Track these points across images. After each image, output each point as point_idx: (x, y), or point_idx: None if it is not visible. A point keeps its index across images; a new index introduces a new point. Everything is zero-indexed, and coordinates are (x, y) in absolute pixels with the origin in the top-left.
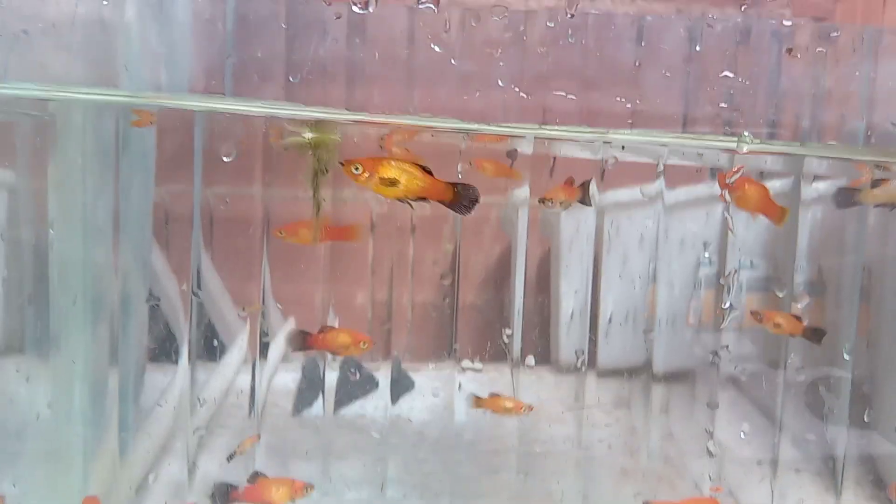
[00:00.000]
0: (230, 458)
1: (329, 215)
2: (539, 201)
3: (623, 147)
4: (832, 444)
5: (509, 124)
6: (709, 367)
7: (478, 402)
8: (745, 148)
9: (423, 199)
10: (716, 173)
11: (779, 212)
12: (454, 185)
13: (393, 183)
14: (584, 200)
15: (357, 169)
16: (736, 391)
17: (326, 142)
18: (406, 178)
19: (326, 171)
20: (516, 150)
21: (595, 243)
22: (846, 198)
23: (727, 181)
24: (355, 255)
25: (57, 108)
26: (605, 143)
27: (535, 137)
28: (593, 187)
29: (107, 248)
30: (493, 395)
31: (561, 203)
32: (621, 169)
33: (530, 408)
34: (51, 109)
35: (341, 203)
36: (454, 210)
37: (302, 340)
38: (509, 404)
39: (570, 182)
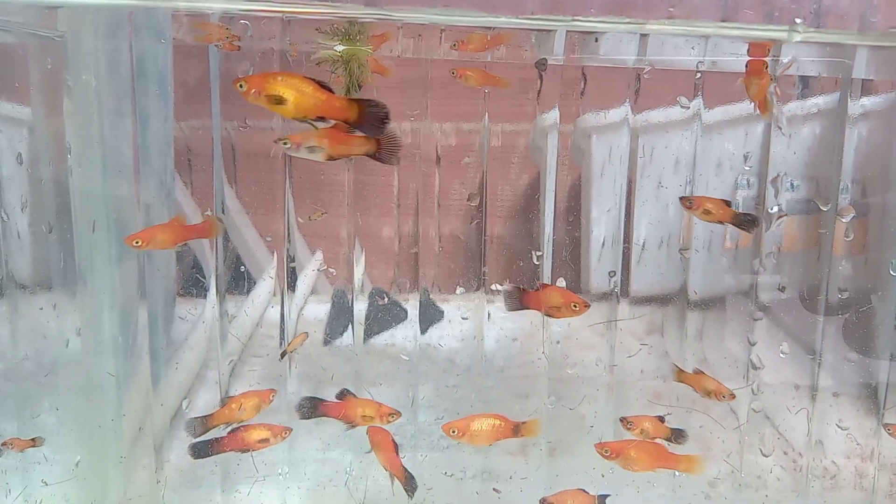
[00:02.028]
0: (283, 355)
1: (182, 216)
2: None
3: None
4: (874, 366)
5: (540, 16)
6: (747, 289)
7: (680, 375)
8: (798, 37)
9: (321, 118)
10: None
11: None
12: (358, 101)
13: (280, 101)
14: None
15: (242, 86)
16: (772, 316)
17: (358, 55)
18: (294, 95)
19: (360, 86)
20: (545, 59)
21: (629, 167)
22: None
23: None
24: (381, 188)
25: (67, 25)
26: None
27: (568, 31)
28: (626, 110)
29: (128, 177)
30: (698, 372)
31: None
32: (657, 85)
33: (732, 396)
34: (60, 28)
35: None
36: (362, 131)
37: (518, 298)
38: (710, 385)
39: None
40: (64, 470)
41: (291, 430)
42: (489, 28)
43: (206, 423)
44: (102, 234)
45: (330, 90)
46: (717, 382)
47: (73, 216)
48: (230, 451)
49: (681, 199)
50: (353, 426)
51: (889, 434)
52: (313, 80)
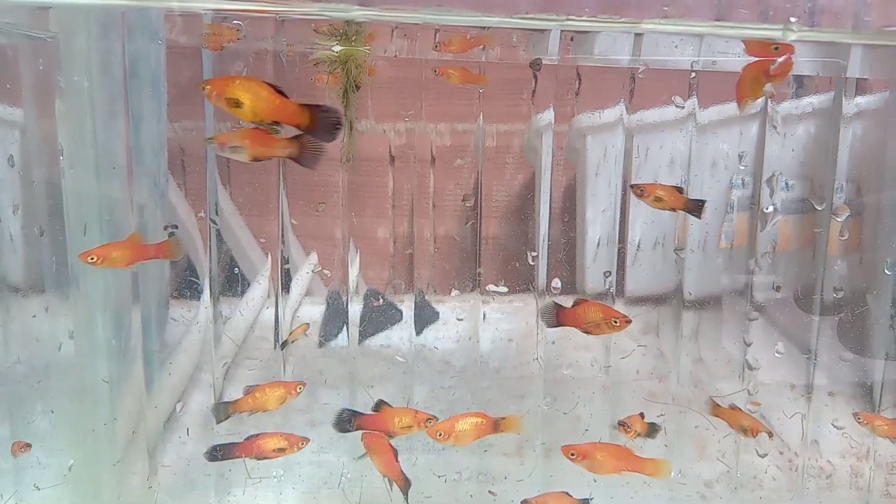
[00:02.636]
0: (283, 346)
1: (142, 234)
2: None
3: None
4: (869, 365)
5: (534, 16)
6: (742, 288)
7: (715, 410)
8: (792, 36)
9: (276, 123)
10: None
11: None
12: (310, 107)
13: (238, 103)
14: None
15: (205, 88)
16: (767, 316)
17: (356, 55)
18: (251, 98)
19: (357, 87)
20: (540, 60)
21: (623, 167)
22: None
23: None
24: (376, 188)
25: (59, 26)
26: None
27: (562, 31)
28: (621, 110)
29: (121, 179)
30: (733, 408)
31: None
32: (651, 85)
33: (770, 433)
34: (52, 29)
35: (357, 134)
36: (314, 136)
37: (555, 314)
38: (746, 422)
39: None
40: (56, 474)
41: (309, 440)
42: (484, 28)
43: (228, 408)
44: (95, 236)
45: (284, 95)
46: (754, 419)
47: (65, 218)
48: (246, 457)
49: (631, 186)
50: (392, 437)
51: (859, 423)
52: (269, 84)
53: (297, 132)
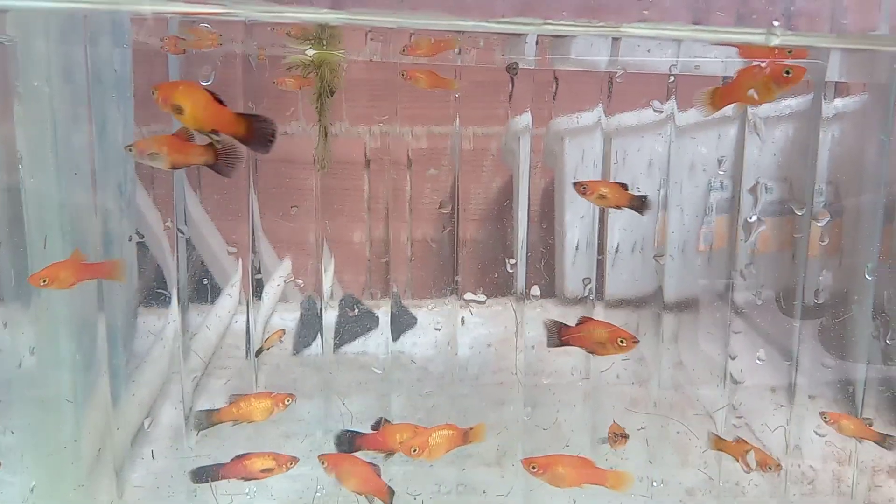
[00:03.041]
0: (258, 353)
1: (85, 254)
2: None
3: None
4: (851, 369)
5: (510, 18)
6: (723, 293)
7: (718, 443)
8: (775, 41)
9: (214, 131)
10: None
11: None
12: (246, 117)
13: (180, 110)
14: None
15: (153, 93)
16: (747, 320)
17: (330, 60)
18: (190, 106)
19: (332, 92)
20: (517, 63)
21: (602, 171)
22: None
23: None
24: (351, 192)
25: (17, 30)
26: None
27: (539, 35)
28: (599, 113)
29: (85, 185)
30: (739, 441)
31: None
32: (629, 89)
33: (779, 466)
34: (9, 32)
35: (332, 138)
36: (249, 146)
37: (558, 333)
38: (755, 455)
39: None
40: (19, 494)
41: (298, 459)
42: (459, 32)
43: (211, 417)
44: (58, 245)
45: (222, 103)
46: (764, 452)
47: (25, 227)
48: (232, 478)
49: (574, 184)
50: (392, 454)
51: (826, 422)
52: (209, 91)
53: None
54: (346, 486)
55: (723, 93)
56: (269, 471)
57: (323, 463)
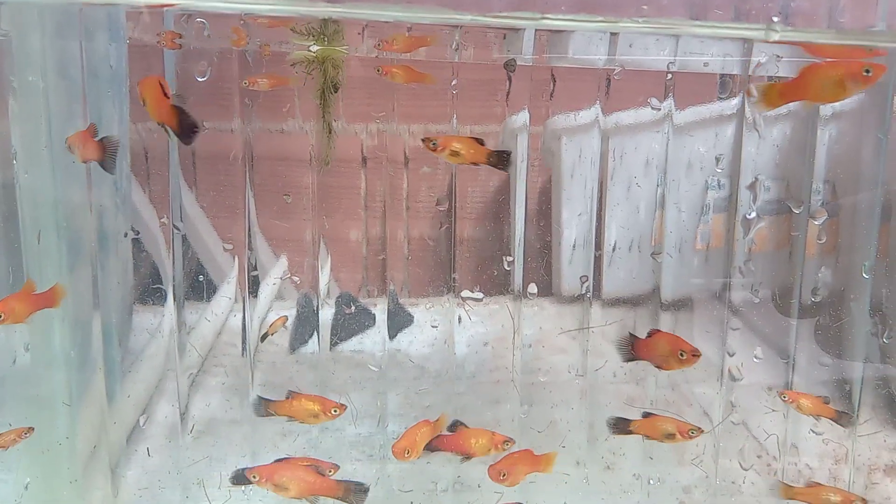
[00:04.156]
0: (263, 338)
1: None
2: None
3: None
4: (848, 368)
5: (508, 13)
6: (720, 292)
7: (787, 491)
8: (775, 37)
9: (162, 124)
10: None
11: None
12: (175, 109)
13: (144, 102)
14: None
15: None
16: (744, 319)
17: (333, 56)
18: (148, 98)
19: (336, 88)
20: (514, 60)
21: (599, 170)
22: None
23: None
24: (347, 190)
25: (11, 24)
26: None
27: (537, 30)
28: (597, 112)
29: (80, 182)
30: (813, 484)
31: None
32: (627, 87)
33: (864, 501)
34: (4, 27)
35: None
36: (178, 138)
37: (631, 347)
38: (835, 497)
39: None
40: (13, 492)
41: (338, 467)
42: (455, 26)
43: (268, 406)
44: (53, 242)
45: (167, 95)
46: (844, 492)
47: (20, 223)
48: (269, 482)
49: (423, 140)
50: (469, 458)
51: (784, 401)
52: (160, 85)
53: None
54: (289, 495)
55: (782, 90)
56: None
57: (254, 477)
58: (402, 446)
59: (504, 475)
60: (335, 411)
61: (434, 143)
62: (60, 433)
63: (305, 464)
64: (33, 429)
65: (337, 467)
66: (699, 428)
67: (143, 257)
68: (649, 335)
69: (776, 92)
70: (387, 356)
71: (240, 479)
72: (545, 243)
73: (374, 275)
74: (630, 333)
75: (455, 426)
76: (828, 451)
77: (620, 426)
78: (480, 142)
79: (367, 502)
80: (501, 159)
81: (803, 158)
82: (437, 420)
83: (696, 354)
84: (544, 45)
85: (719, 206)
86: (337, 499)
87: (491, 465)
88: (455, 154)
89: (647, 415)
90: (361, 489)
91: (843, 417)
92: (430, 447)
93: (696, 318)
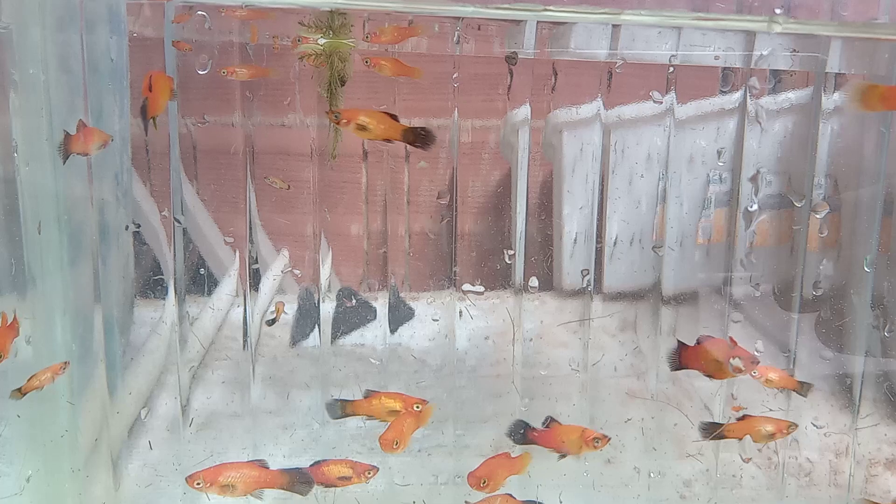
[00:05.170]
0: (271, 323)
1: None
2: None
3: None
4: (849, 362)
5: (510, 5)
6: (721, 286)
7: None
8: (778, 28)
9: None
10: None
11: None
12: (145, 97)
13: None
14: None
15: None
16: (745, 313)
17: (340, 48)
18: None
19: (343, 81)
20: (516, 54)
21: (601, 164)
22: None
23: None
24: (348, 185)
25: (11, 17)
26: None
27: (538, 24)
28: (598, 106)
29: (81, 176)
30: None
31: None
32: (628, 81)
33: None
34: (4, 20)
35: (332, 129)
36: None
37: (679, 355)
38: None
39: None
40: (15, 484)
41: (377, 469)
42: (457, 18)
43: (344, 407)
44: (54, 235)
45: (151, 90)
46: None
47: (21, 216)
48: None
49: (327, 113)
50: (564, 456)
51: (753, 377)
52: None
53: None
54: (236, 494)
55: (886, 94)
56: (346, 479)
57: (198, 483)
58: (389, 437)
59: (484, 482)
60: (418, 407)
61: (337, 116)
62: (62, 426)
63: (341, 465)
64: (69, 363)
65: (376, 469)
66: (750, 356)
67: (145, 251)
68: (698, 343)
69: (878, 94)
70: (388, 350)
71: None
72: (546, 237)
73: (375, 269)
74: (680, 342)
75: (548, 422)
76: (828, 445)
77: (711, 431)
78: (394, 117)
79: (370, 496)
80: (419, 137)
81: (805, 152)
82: (422, 411)
83: (754, 360)
84: (546, 39)
85: (721, 201)
86: (283, 489)
87: (470, 473)
88: (362, 128)
89: (742, 417)
90: (305, 477)
91: (804, 387)
92: (526, 439)
93: (697, 312)
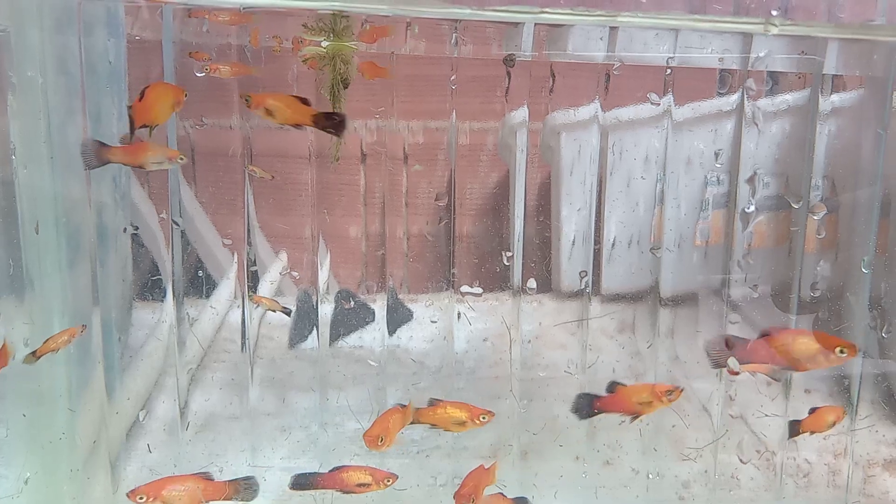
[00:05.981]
0: (288, 312)
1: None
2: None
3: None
4: (847, 363)
5: (507, 7)
6: (718, 288)
7: None
8: (774, 31)
9: None
10: None
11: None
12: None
13: None
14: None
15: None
16: (743, 314)
17: (343, 51)
18: None
19: (346, 83)
20: (514, 56)
21: (598, 166)
22: None
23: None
24: (346, 186)
25: (9, 19)
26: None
27: (536, 26)
28: (596, 108)
29: (79, 178)
30: None
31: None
32: (626, 83)
33: None
34: (2, 22)
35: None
36: None
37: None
38: None
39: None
40: (13, 486)
41: (397, 476)
42: (455, 21)
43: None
44: (52, 237)
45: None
46: None
47: (19, 218)
48: (330, 489)
49: (240, 96)
50: (636, 417)
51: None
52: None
53: None
54: None
55: None
56: (365, 485)
57: (140, 498)
58: (374, 434)
59: (473, 500)
60: (483, 418)
61: (247, 100)
62: (60, 428)
63: (360, 471)
64: (86, 326)
65: (395, 476)
66: (850, 344)
67: (143, 253)
68: (763, 335)
69: None
70: (386, 352)
71: None
72: (544, 239)
73: (373, 271)
74: (725, 338)
75: (613, 386)
76: (826, 446)
77: (794, 429)
78: (305, 102)
79: (368, 497)
80: (331, 122)
81: (803, 154)
82: (407, 407)
83: (854, 348)
84: (543, 41)
85: (718, 202)
86: (227, 499)
87: (457, 493)
88: (270, 113)
89: (813, 410)
90: (249, 485)
91: (776, 373)
92: (593, 410)
93: (695, 313)
